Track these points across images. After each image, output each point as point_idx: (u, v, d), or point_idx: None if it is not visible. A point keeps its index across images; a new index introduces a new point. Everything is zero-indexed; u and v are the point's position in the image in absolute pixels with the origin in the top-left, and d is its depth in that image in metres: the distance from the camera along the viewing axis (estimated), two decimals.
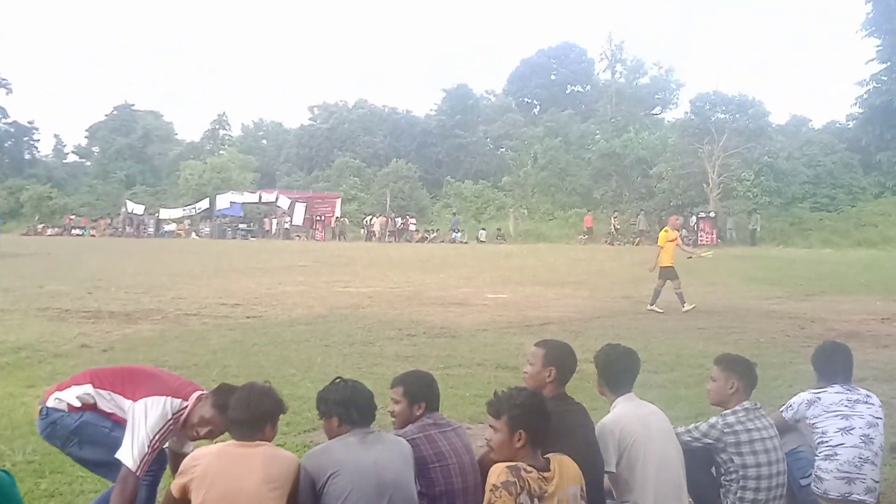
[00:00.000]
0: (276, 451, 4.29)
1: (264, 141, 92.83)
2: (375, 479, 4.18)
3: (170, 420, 4.66)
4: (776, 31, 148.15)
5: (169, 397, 4.73)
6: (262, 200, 63.73)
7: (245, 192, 65.36)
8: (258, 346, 11.86)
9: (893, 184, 52.27)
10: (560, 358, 5.07)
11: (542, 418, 4.13)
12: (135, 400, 4.70)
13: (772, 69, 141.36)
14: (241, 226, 62.94)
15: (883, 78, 54.04)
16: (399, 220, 56.65)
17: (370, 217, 57.38)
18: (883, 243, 42.80)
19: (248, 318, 14.99)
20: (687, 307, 16.79)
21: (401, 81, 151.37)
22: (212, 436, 4.71)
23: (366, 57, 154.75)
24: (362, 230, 56.45)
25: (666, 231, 18.52)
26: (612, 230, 51.10)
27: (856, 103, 57.47)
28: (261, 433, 4.26)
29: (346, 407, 4.45)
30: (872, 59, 55.43)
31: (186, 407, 4.74)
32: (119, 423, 4.75)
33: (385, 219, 56.07)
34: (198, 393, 4.84)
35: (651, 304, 17.02)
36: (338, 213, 59.85)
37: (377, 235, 54.22)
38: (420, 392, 4.83)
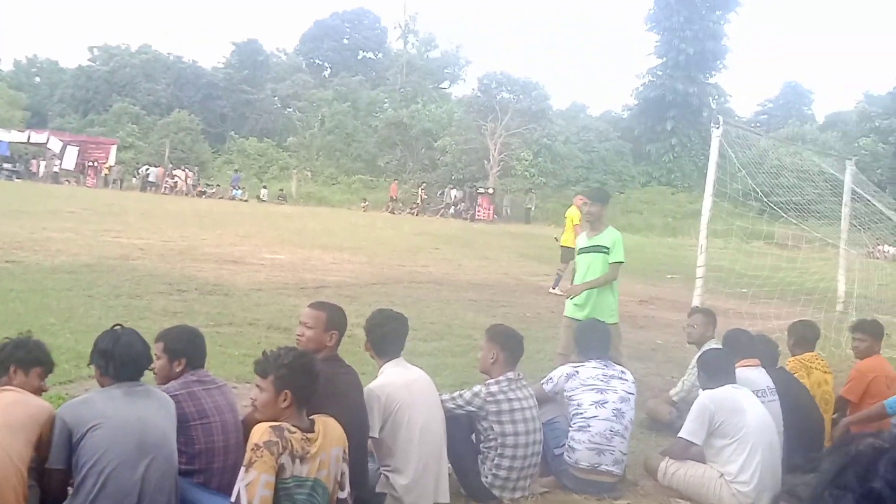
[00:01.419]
0: (22, 396, 4.08)
1: (37, 78, 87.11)
2: (138, 437, 4.03)
3: None
4: (563, 18, 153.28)
5: None
6: (31, 141, 59.87)
7: (13, 130, 61.28)
8: (16, 292, 11.16)
9: (660, 174, 55.42)
10: (341, 322, 5.08)
11: (309, 379, 4.11)
12: None
13: (557, 55, 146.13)
14: (5, 165, 59.01)
15: (658, 73, 57.04)
16: (177, 172, 54.84)
17: (147, 167, 55.23)
18: (646, 230, 45.27)
19: (6, 262, 14.07)
20: (557, 291, 16.65)
21: (188, 30, 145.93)
22: None
23: (152, 0, 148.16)
24: (134, 179, 54.26)
25: (577, 210, 18.18)
26: (419, 201, 51.24)
27: (632, 95, 60.46)
28: (5, 377, 4.10)
29: (105, 358, 4.27)
30: (651, 54, 58.37)
31: None
32: None
33: (162, 170, 54.13)
34: None
35: (554, 287, 16.95)
36: (112, 160, 57.25)
37: (154, 186, 52.32)
38: (180, 348, 4.70)
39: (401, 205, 50.36)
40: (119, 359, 4.26)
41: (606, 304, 8.00)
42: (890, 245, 26.66)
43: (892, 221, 17.63)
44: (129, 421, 4.05)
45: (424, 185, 53.59)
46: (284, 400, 4.03)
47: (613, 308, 8.07)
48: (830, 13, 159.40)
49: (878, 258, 24.23)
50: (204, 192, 50.64)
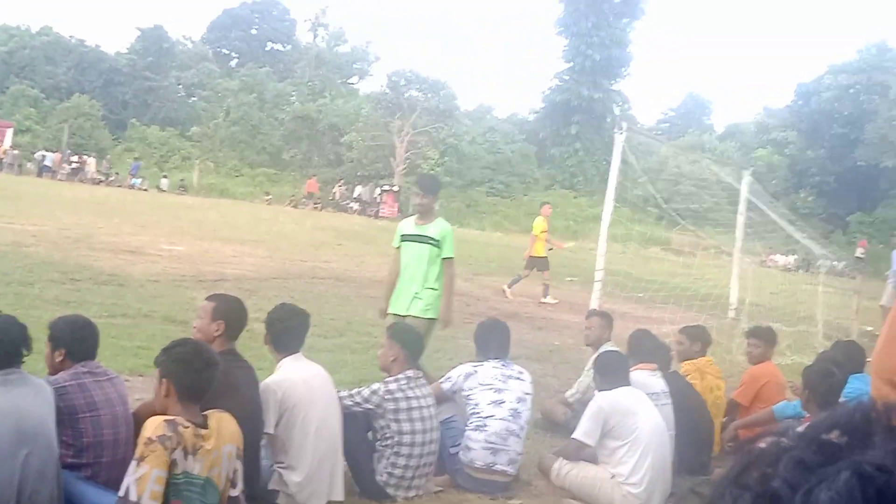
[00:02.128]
0: None
1: None
2: (15, 425, 3.88)
3: None
4: (473, 19, 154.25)
5: None
6: None
7: None
8: None
9: (563, 177, 56.13)
10: (228, 312, 5.00)
11: (194, 371, 4.00)
12: None
13: (466, 56, 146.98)
14: None
15: (565, 77, 57.74)
16: (76, 158, 53.35)
17: (43, 152, 53.61)
18: (549, 232, 45.75)
19: None
20: (549, 300, 16.86)
21: (92, 13, 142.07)
22: None
23: None
24: (30, 164, 52.63)
25: (544, 220, 18.33)
26: (335, 196, 50.80)
27: (539, 98, 61.13)
28: None
29: None
30: (559, 58, 59.07)
31: None
32: None
33: (60, 155, 52.62)
34: None
35: (509, 287, 17.16)
36: (8, 143, 55.46)
37: (50, 172, 50.80)
38: (63, 338, 4.56)
39: (320, 201, 49.96)
40: None
41: (427, 297, 7.62)
42: (781, 254, 27.53)
43: (784, 232, 18.21)
44: (5, 409, 3.92)
45: (343, 181, 53.14)
46: (166, 390, 3.96)
47: (431, 303, 7.62)
48: (734, 27, 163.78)
49: (769, 267, 25.01)
50: (103, 180, 49.41)
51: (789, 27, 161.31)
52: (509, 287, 17.22)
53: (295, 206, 47.73)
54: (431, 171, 51.44)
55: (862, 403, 0.67)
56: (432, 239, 7.66)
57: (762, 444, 0.68)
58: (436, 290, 7.68)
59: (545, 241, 17.90)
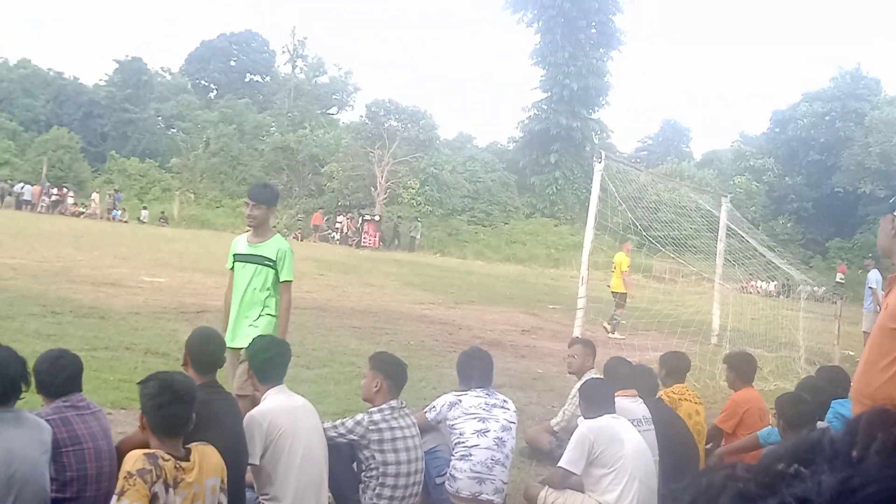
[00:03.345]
0: None
1: None
2: (4, 470, 3.81)
3: None
4: (452, 50, 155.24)
5: None
6: None
7: None
8: None
9: (543, 206, 56.30)
10: (192, 345, 5.00)
11: (160, 406, 3.93)
12: None
13: (445, 85, 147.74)
14: None
15: (543, 106, 57.98)
16: (55, 191, 53.11)
17: (22, 184, 53.33)
18: (529, 260, 46.00)
19: None
20: (616, 335, 16.49)
21: (70, 46, 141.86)
22: None
23: (33, 14, 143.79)
24: (8, 197, 52.32)
25: (625, 256, 17.83)
26: (344, 229, 50.58)
27: (518, 127, 61.39)
28: None
29: None
30: (536, 88, 59.34)
31: None
32: None
33: (40, 188, 52.36)
34: None
35: (615, 330, 16.81)
36: None
37: (29, 205, 50.53)
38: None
39: (330, 233, 49.80)
40: None
41: (264, 326, 6.63)
42: (762, 280, 27.66)
43: (764, 258, 18.32)
44: None
45: (351, 214, 52.73)
46: (142, 424, 3.96)
47: (261, 328, 6.56)
48: (710, 55, 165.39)
49: (751, 293, 25.11)
50: (82, 212, 49.18)
51: (764, 55, 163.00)
52: (612, 331, 16.94)
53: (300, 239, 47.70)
54: (412, 201, 51.54)
55: (811, 434, 0.68)
56: (267, 259, 6.72)
57: (711, 476, 0.68)
58: (275, 316, 6.72)
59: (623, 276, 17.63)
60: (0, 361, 4.08)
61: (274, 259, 6.68)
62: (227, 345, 6.24)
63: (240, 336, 6.54)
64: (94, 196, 51.23)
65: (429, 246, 49.18)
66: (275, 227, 7.30)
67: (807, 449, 0.65)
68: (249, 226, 6.94)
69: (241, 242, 6.92)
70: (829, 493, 0.60)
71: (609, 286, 17.93)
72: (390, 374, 5.67)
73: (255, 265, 6.69)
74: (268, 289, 6.68)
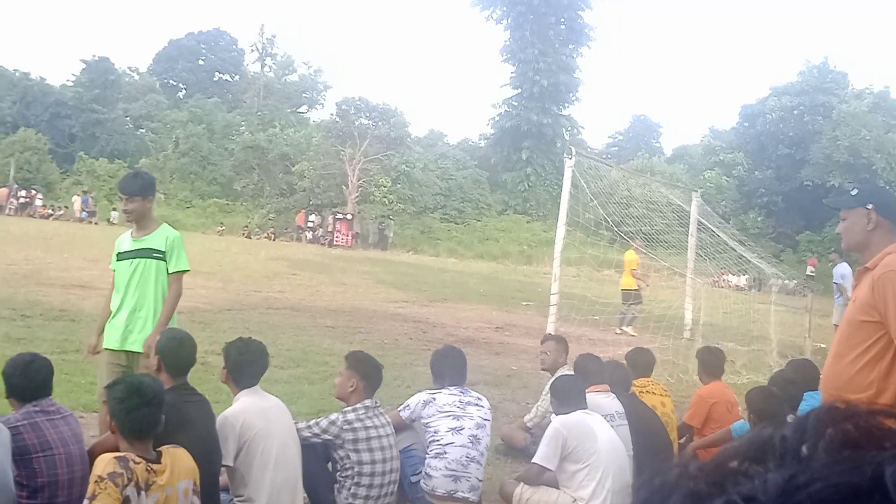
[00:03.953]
0: None
1: None
2: None
3: None
4: (422, 46, 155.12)
5: None
6: None
7: None
8: None
9: (516, 203, 56.42)
10: (164, 349, 4.96)
11: (128, 410, 3.92)
12: None
13: (415, 82, 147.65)
14: None
15: (514, 103, 58.10)
16: (24, 193, 52.61)
17: None
18: (502, 257, 46.05)
19: None
20: (628, 329, 16.79)
21: (36, 46, 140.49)
22: None
23: None
24: None
25: (634, 254, 17.78)
26: (316, 227, 50.47)
27: (489, 124, 61.46)
28: None
29: None
30: (506, 84, 59.44)
31: None
32: None
33: (7, 190, 51.86)
34: None
35: (626, 326, 17.00)
36: None
37: None
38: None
39: (312, 232, 49.63)
40: None
41: (146, 326, 6.18)
42: (733, 274, 27.84)
43: (735, 252, 18.42)
44: None
45: (335, 212, 52.57)
46: (111, 427, 3.94)
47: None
48: (679, 50, 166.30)
49: (722, 287, 25.28)
50: (51, 214, 48.73)
51: (732, 49, 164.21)
52: (626, 326, 17.12)
53: (248, 237, 47.49)
54: (384, 199, 51.40)
55: (763, 431, 0.67)
56: (156, 251, 6.27)
57: (664, 476, 0.68)
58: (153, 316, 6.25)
59: (632, 274, 17.70)
60: None
61: (163, 250, 6.24)
62: (118, 347, 6.10)
63: (133, 338, 6.13)
64: (75, 199, 50.79)
65: (401, 244, 49.14)
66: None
67: (758, 446, 0.65)
68: (129, 221, 6.53)
69: (125, 240, 6.44)
70: (774, 491, 0.59)
71: (624, 287, 17.89)
72: (367, 374, 5.65)
73: (143, 259, 6.24)
74: (161, 282, 6.26)
